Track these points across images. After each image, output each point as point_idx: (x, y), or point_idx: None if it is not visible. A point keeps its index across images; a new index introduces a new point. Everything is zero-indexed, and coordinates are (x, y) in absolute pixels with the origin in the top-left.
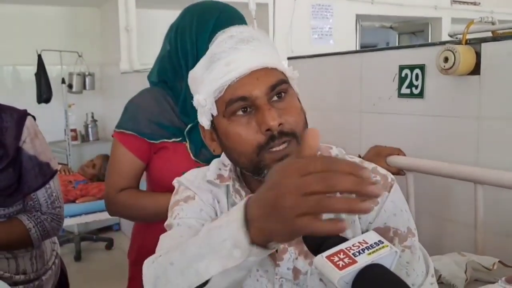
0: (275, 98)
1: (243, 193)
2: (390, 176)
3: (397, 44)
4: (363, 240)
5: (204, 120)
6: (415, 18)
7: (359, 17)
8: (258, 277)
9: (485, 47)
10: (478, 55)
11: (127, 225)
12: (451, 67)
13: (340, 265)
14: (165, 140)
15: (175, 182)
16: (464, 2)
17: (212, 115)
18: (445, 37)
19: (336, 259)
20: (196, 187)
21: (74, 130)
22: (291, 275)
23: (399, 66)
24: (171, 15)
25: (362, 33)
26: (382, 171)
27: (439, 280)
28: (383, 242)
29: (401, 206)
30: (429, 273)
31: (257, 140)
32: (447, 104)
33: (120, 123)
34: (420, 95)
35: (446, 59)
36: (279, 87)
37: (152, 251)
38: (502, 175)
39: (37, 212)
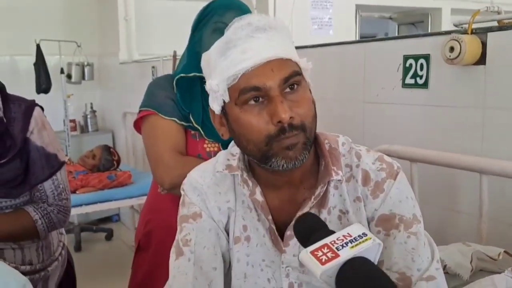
0: (287, 89)
1: (250, 183)
2: (396, 164)
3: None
4: (348, 233)
5: (215, 106)
6: (415, 8)
7: (359, 8)
8: (263, 267)
9: (491, 37)
10: (484, 44)
11: (127, 216)
12: (456, 57)
13: (323, 260)
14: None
15: (181, 189)
16: None
17: (224, 101)
18: (444, 28)
19: (319, 253)
20: (202, 197)
21: (73, 121)
22: (297, 262)
23: (404, 56)
24: (171, 5)
25: (361, 23)
26: (388, 159)
27: (444, 270)
28: (366, 235)
29: (406, 193)
30: (434, 259)
31: (268, 130)
32: (452, 94)
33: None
34: (425, 85)
35: (451, 49)
36: (293, 79)
37: (160, 239)
38: (506, 165)
39: (43, 204)
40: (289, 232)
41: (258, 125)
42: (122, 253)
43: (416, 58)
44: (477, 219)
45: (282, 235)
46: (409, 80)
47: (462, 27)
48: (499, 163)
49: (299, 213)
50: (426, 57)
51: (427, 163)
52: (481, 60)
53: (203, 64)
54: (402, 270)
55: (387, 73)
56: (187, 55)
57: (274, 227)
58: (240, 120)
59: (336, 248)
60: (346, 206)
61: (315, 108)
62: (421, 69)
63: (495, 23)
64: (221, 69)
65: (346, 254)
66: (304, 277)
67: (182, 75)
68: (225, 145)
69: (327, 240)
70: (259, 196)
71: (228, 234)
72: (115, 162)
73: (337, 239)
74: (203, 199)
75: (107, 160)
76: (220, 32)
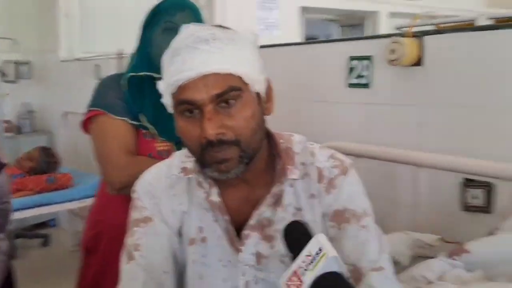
0: (223, 104)
1: (206, 185)
2: (348, 161)
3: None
4: (308, 253)
5: (169, 106)
6: (354, 11)
7: (304, 10)
8: (219, 267)
9: (428, 40)
10: (421, 47)
11: (65, 220)
12: (397, 59)
13: None
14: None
15: (132, 191)
16: None
17: None
18: (383, 31)
19: (291, 283)
20: (155, 200)
21: (7, 122)
22: (254, 260)
23: (349, 57)
24: (116, 1)
25: (306, 25)
26: (340, 156)
27: None
28: (321, 250)
29: (357, 189)
30: (384, 251)
31: (199, 141)
32: (392, 94)
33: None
34: (368, 85)
35: (393, 51)
36: (227, 94)
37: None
38: (441, 159)
39: None
40: (247, 231)
41: (192, 135)
42: (61, 258)
43: (361, 59)
44: (415, 209)
45: (240, 234)
46: (353, 80)
47: (402, 31)
48: (433, 156)
49: (256, 212)
50: (370, 59)
51: (370, 158)
52: (419, 61)
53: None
54: (354, 262)
55: (333, 74)
56: (137, 54)
57: (231, 227)
58: (179, 127)
59: (301, 273)
60: (301, 203)
61: (259, 122)
62: (365, 70)
63: (432, 27)
64: (167, 74)
65: (308, 280)
66: (260, 274)
67: (132, 74)
68: (178, 144)
69: (295, 266)
70: (215, 197)
71: (182, 236)
72: (54, 164)
73: (302, 262)
74: (156, 202)
75: (45, 162)
76: (170, 32)
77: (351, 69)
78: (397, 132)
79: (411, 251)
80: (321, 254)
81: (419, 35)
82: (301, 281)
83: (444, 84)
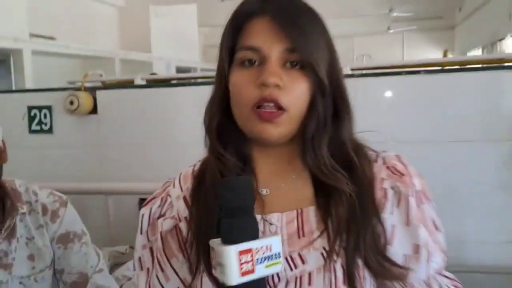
0: None
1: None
2: (64, 196)
3: None
4: (270, 246)
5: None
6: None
7: None
8: None
9: (98, 93)
10: (95, 99)
11: None
12: (76, 109)
13: (243, 270)
14: None
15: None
16: (41, 36)
17: None
18: (28, 68)
19: (243, 260)
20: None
21: None
22: None
23: (28, 106)
24: None
25: None
26: (57, 193)
27: None
28: (279, 257)
29: (75, 216)
30: (100, 259)
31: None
32: (75, 138)
33: None
34: (50, 131)
35: (71, 102)
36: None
37: None
38: (123, 185)
39: None
40: None
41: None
42: None
43: (40, 108)
44: (107, 228)
45: None
46: (35, 127)
47: (75, 84)
48: (117, 185)
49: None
50: (49, 108)
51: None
52: (94, 110)
53: None
54: (81, 270)
55: (15, 121)
56: None
57: None
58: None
59: (257, 260)
60: (31, 233)
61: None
62: (45, 117)
63: (100, 83)
64: None
65: (259, 273)
66: None
67: None
68: None
69: (253, 244)
70: None
71: None
72: None
73: (261, 247)
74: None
75: None
76: None
77: (31, 117)
78: (85, 167)
79: (111, 261)
80: (278, 261)
81: (91, 88)
82: (253, 268)
83: (116, 128)
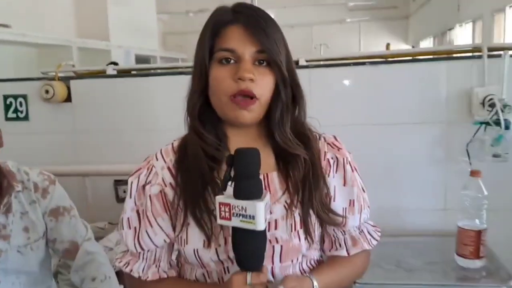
0: None
1: None
2: (52, 175)
3: None
4: (245, 207)
5: None
6: None
7: None
8: None
9: (72, 83)
10: (68, 88)
11: None
12: (52, 97)
13: (221, 215)
14: None
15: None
16: None
17: None
18: None
19: (223, 208)
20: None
21: None
22: None
23: (3, 95)
24: None
25: None
26: (45, 172)
27: None
28: (254, 218)
29: (63, 192)
30: (88, 229)
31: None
32: (51, 124)
33: None
34: (26, 118)
35: (47, 91)
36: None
37: None
38: (98, 168)
39: None
40: None
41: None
42: None
43: (15, 97)
44: (86, 207)
45: None
46: (11, 115)
47: (48, 74)
48: (94, 167)
49: None
50: (24, 96)
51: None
52: (68, 98)
53: None
54: (71, 239)
55: None
56: None
57: None
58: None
59: (233, 214)
60: (25, 208)
61: None
62: (21, 105)
63: (72, 73)
64: None
65: (235, 222)
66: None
67: None
68: None
69: (233, 201)
70: None
71: None
72: None
73: (237, 206)
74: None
75: None
76: None
77: (7, 106)
78: (61, 152)
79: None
80: (252, 220)
81: (65, 78)
82: (230, 216)
83: (90, 115)
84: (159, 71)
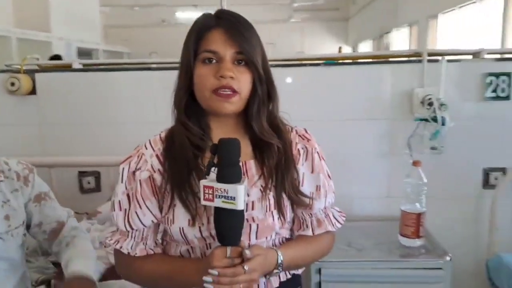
0: None
1: None
2: (30, 165)
3: None
4: (227, 190)
5: None
6: None
7: None
8: None
9: (37, 76)
10: (33, 81)
11: None
12: (17, 90)
13: (204, 197)
14: None
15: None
16: None
17: None
18: None
19: (206, 190)
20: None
21: None
22: None
23: None
24: None
25: None
26: (23, 161)
27: None
28: (235, 199)
29: (40, 181)
30: (69, 212)
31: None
32: (15, 116)
33: None
34: None
35: (12, 84)
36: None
37: None
38: (62, 159)
39: None
40: None
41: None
42: None
43: None
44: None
45: None
46: None
47: (13, 67)
48: (58, 159)
49: None
50: None
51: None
52: (34, 91)
53: None
54: (56, 219)
55: None
56: None
57: None
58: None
59: (215, 195)
60: (6, 196)
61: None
62: None
63: (36, 67)
64: None
65: (217, 203)
66: None
67: None
68: None
69: (216, 185)
70: None
71: None
72: None
73: (219, 189)
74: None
75: None
76: None
77: None
78: (27, 144)
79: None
80: (233, 201)
81: (30, 71)
82: (212, 198)
83: (55, 107)
84: (125, 66)
